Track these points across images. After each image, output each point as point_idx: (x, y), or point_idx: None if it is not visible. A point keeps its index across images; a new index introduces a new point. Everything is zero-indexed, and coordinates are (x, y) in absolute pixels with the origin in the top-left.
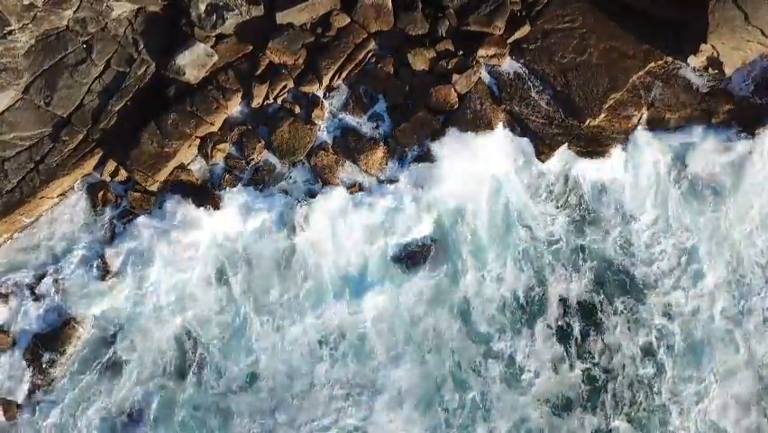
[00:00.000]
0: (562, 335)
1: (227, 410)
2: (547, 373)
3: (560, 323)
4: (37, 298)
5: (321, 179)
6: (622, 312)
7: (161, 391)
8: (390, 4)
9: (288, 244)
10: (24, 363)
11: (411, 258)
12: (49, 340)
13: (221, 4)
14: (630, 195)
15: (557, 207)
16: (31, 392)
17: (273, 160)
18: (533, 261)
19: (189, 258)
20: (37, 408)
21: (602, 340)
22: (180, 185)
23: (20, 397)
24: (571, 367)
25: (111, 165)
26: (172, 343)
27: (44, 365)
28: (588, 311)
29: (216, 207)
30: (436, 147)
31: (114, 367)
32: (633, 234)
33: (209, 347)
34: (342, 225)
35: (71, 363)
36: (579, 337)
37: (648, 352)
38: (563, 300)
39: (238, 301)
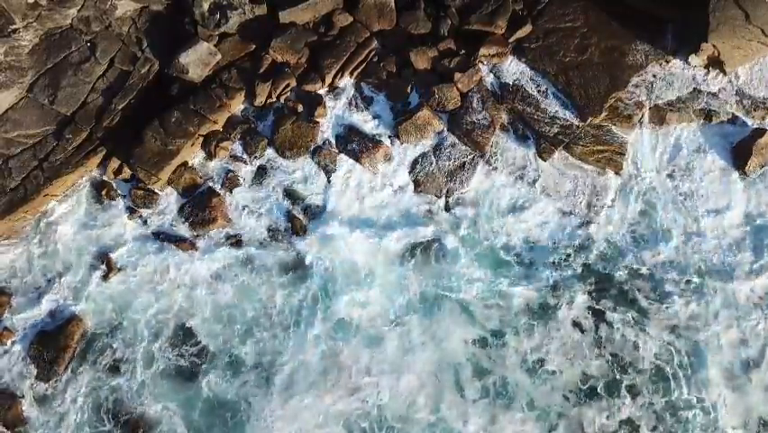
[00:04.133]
0: None
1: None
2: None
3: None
4: (41, 294)
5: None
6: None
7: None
8: (393, 4)
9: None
10: (28, 358)
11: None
12: (52, 336)
13: (224, 3)
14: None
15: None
16: (34, 387)
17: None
18: None
19: (193, 257)
20: (41, 403)
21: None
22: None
23: (24, 391)
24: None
25: (114, 163)
26: (178, 338)
27: (48, 361)
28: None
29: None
30: None
31: (118, 363)
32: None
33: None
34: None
35: (75, 358)
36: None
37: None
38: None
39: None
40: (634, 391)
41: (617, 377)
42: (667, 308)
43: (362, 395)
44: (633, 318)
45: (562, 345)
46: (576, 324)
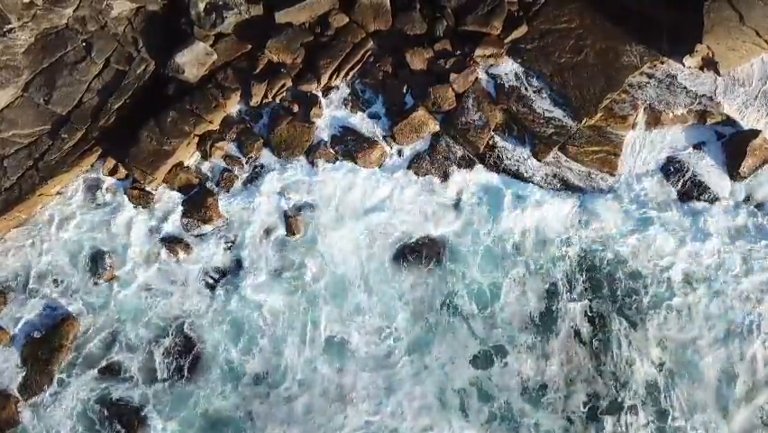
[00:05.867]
0: None
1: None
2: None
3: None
4: (35, 294)
5: None
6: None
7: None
8: (389, 4)
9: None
10: (22, 358)
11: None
12: (47, 336)
13: (220, 3)
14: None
15: None
16: (29, 388)
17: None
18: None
19: (193, 257)
20: (35, 404)
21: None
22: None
23: (18, 392)
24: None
25: (110, 163)
26: (171, 341)
27: (42, 361)
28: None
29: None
30: None
31: (114, 364)
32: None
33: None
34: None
35: (69, 359)
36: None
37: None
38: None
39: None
40: (634, 413)
41: (618, 398)
42: (660, 318)
43: (364, 415)
44: (627, 329)
45: (565, 360)
46: (576, 333)
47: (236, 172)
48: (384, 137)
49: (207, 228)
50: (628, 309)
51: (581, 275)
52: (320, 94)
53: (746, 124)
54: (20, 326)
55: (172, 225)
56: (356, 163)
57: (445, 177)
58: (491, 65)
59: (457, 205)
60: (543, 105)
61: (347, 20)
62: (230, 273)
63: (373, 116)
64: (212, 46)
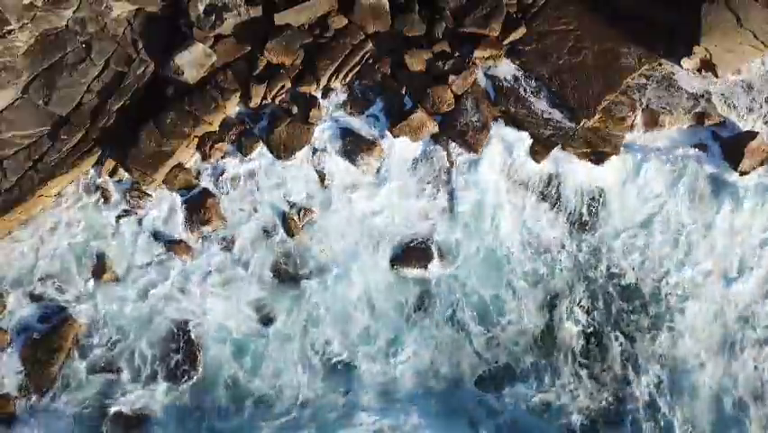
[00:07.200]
0: None
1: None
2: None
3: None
4: (35, 296)
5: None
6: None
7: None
8: (388, 6)
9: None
10: (22, 359)
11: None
12: (46, 337)
13: (220, 4)
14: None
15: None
16: (28, 389)
17: None
18: None
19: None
20: (34, 405)
21: None
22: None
23: (17, 393)
24: None
25: (109, 164)
26: (173, 346)
27: (41, 362)
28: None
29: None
30: None
31: (112, 365)
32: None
33: (205, 344)
34: None
35: (68, 361)
36: None
37: None
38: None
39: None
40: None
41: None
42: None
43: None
44: (623, 343)
45: (566, 376)
46: (574, 354)
47: (236, 173)
48: (383, 138)
49: (207, 229)
50: (627, 326)
51: (581, 279)
52: (319, 95)
53: (744, 125)
54: (20, 327)
55: (172, 227)
56: (355, 165)
57: (444, 176)
58: (490, 66)
59: (456, 204)
60: (541, 106)
61: (346, 21)
62: (229, 275)
63: (372, 117)
64: (211, 47)
